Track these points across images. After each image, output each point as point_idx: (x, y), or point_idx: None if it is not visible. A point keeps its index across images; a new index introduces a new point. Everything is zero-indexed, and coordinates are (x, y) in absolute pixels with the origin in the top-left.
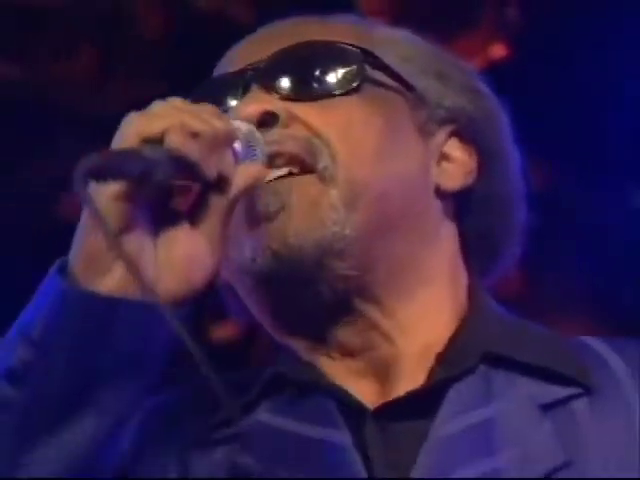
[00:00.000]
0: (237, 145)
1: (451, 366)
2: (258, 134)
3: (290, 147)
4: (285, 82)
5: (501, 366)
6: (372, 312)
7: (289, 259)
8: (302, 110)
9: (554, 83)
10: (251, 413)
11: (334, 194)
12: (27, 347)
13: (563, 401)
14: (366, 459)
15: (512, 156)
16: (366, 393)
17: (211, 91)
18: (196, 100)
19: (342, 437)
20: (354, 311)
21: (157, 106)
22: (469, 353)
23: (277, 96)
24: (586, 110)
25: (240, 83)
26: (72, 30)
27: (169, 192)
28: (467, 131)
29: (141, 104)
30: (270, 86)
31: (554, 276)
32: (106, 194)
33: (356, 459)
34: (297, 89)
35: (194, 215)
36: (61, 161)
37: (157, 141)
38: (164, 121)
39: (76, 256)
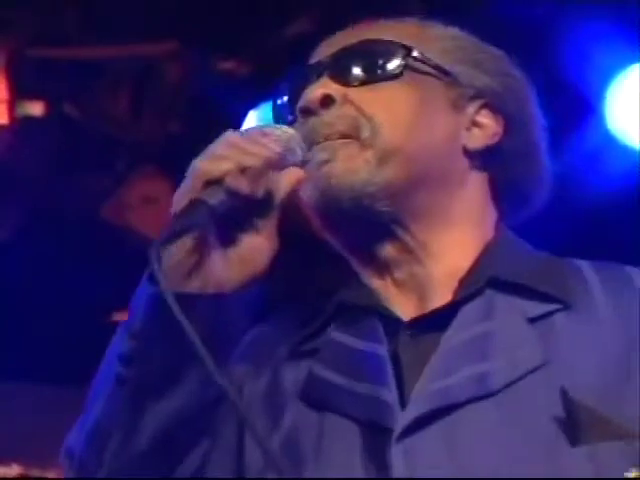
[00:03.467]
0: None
1: (467, 289)
2: (298, 136)
3: (339, 126)
4: (344, 72)
5: (501, 288)
6: (406, 239)
7: (331, 197)
8: (355, 93)
9: None
10: (324, 332)
11: (369, 153)
12: (130, 339)
13: (546, 315)
14: (398, 363)
15: (535, 120)
16: (406, 307)
17: (296, 77)
18: (288, 81)
19: (382, 349)
20: (393, 234)
21: (217, 147)
22: (480, 278)
23: (339, 83)
24: None
25: (315, 72)
26: (115, 79)
27: (230, 216)
28: (494, 103)
29: (165, 134)
30: (334, 75)
31: None
32: (183, 247)
33: (388, 368)
34: (353, 77)
35: (251, 222)
36: (109, 173)
37: (218, 182)
38: (223, 165)
39: (176, 269)
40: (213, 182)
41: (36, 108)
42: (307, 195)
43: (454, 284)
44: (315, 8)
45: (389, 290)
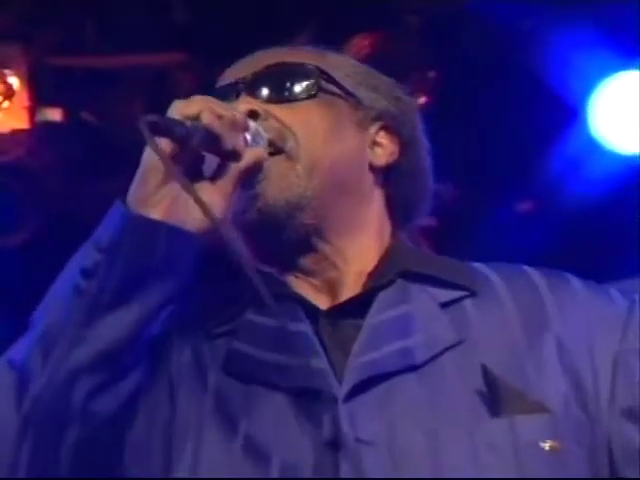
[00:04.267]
0: (247, 134)
1: (379, 279)
2: (262, 130)
3: (268, 134)
4: (264, 90)
5: (412, 279)
6: (324, 248)
7: (267, 213)
8: (276, 110)
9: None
10: (241, 315)
11: (298, 168)
12: (97, 252)
13: (456, 300)
14: (322, 342)
15: (423, 143)
16: (321, 303)
17: (215, 97)
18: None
19: (305, 327)
20: (312, 247)
21: (194, 98)
22: (390, 271)
23: (259, 100)
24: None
25: (234, 91)
26: (129, 87)
27: (198, 159)
28: (391, 125)
29: None
30: (254, 93)
31: None
32: (160, 144)
33: (316, 342)
34: (272, 95)
35: (213, 178)
36: (124, 177)
37: (194, 118)
38: (199, 105)
39: (134, 192)
40: (190, 118)
41: (55, 114)
42: (238, 210)
43: (363, 281)
44: (313, 23)
45: (303, 288)
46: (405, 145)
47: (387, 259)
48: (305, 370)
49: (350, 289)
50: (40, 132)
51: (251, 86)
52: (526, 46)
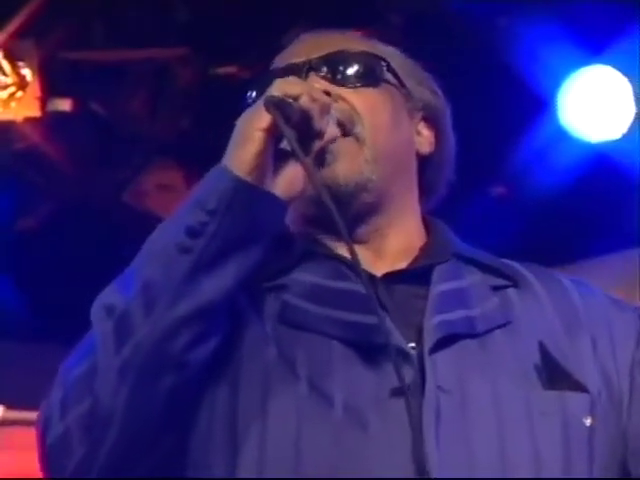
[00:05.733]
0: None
1: (432, 257)
2: (333, 112)
3: (338, 115)
4: (332, 73)
5: (464, 261)
6: (379, 222)
7: (336, 191)
8: (344, 92)
9: None
10: (291, 273)
11: (366, 152)
12: (203, 214)
13: (503, 287)
14: (380, 302)
15: (452, 137)
16: (373, 270)
17: (278, 74)
18: (266, 80)
19: (362, 288)
20: (368, 221)
21: (294, 78)
22: (445, 249)
23: (327, 82)
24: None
25: (303, 71)
26: (134, 80)
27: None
28: (430, 117)
29: (178, 130)
30: (324, 76)
31: None
32: (265, 118)
33: (375, 300)
34: (341, 80)
35: (293, 154)
36: (129, 164)
37: (294, 99)
38: (301, 88)
39: (234, 158)
40: (289, 98)
41: (65, 105)
42: (304, 188)
43: (410, 255)
44: (308, 20)
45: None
46: (439, 137)
47: (438, 238)
48: (367, 325)
49: (399, 260)
50: (50, 121)
51: (319, 68)
52: (500, 42)
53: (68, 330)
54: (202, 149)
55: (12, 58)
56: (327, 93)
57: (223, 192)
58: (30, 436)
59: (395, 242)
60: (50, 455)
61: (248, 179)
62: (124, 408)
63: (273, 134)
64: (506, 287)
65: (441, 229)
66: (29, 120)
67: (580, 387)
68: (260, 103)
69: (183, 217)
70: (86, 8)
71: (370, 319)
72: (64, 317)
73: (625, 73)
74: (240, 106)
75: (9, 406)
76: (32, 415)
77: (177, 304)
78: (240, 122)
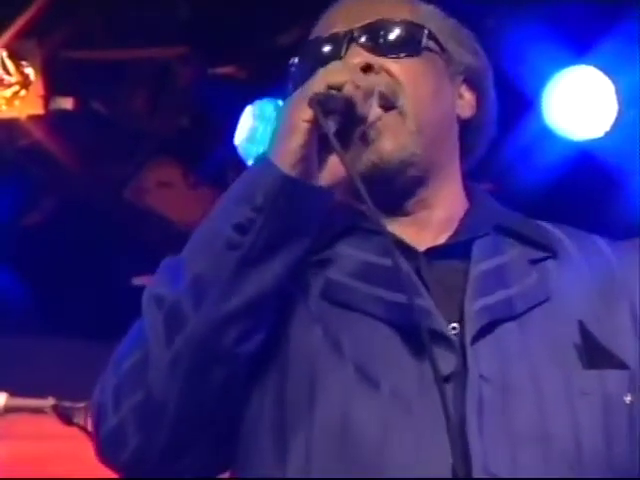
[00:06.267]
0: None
1: (472, 231)
2: (376, 89)
3: (381, 88)
4: (376, 44)
5: (504, 233)
6: (424, 194)
7: (381, 169)
8: (386, 63)
9: None
10: (332, 247)
11: (409, 124)
12: (251, 210)
13: (542, 260)
14: (423, 281)
15: (493, 97)
16: (415, 244)
17: (321, 44)
18: (309, 49)
19: (405, 264)
20: (414, 194)
21: (336, 65)
22: (485, 222)
23: (371, 53)
24: None
25: (344, 41)
26: (134, 79)
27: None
28: (472, 79)
29: (177, 128)
30: (365, 46)
31: None
32: (307, 112)
33: (417, 280)
34: (382, 50)
35: (341, 140)
36: (130, 161)
37: (337, 88)
38: (345, 77)
39: (278, 152)
40: (333, 87)
41: (67, 103)
42: (350, 164)
43: (453, 227)
44: (305, 21)
45: (398, 229)
46: (480, 99)
47: (478, 209)
48: (411, 307)
49: (441, 232)
50: (53, 119)
51: (360, 39)
52: (486, 43)
53: (72, 323)
54: (201, 147)
55: (16, 58)
56: (369, 66)
57: (269, 188)
58: (33, 424)
59: (439, 212)
60: (105, 444)
61: (293, 173)
62: (177, 400)
63: (317, 125)
64: (545, 259)
65: (482, 197)
66: (32, 118)
67: (620, 364)
68: (301, 94)
69: (230, 212)
70: (88, 8)
71: (415, 300)
72: (67, 310)
73: (608, 73)
74: (284, 75)
75: (12, 393)
76: (36, 402)
77: (226, 299)
78: (283, 113)
